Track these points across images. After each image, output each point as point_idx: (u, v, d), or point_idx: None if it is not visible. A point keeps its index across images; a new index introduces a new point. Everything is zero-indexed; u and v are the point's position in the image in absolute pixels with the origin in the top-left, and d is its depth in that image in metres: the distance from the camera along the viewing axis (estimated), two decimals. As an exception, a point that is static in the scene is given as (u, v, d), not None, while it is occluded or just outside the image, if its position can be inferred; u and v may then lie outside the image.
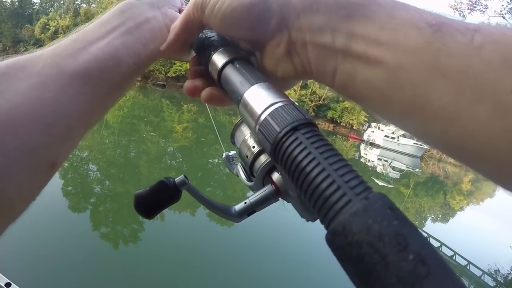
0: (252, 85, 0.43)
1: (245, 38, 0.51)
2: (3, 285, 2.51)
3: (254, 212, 0.52)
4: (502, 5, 24.92)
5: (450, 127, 0.34)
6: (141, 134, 15.54)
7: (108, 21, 0.56)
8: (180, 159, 14.58)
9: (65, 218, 6.80)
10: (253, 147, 0.51)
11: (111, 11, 0.59)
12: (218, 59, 0.51)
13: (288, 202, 0.49)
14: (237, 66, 0.49)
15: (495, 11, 25.75)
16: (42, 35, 59.83)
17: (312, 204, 0.29)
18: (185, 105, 30.80)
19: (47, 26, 60.46)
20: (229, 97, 0.50)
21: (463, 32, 0.34)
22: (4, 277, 2.58)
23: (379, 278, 0.22)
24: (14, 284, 2.54)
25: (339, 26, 0.42)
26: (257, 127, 0.39)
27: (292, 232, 8.25)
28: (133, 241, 6.56)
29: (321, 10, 0.43)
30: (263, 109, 0.39)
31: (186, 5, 0.71)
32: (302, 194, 0.31)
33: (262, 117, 0.38)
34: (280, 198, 0.50)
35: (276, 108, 0.37)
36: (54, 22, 60.27)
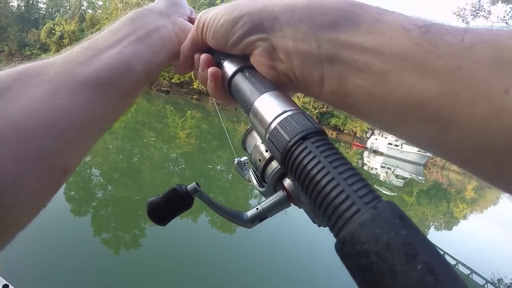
0: (262, 94, 0.43)
1: (235, 52, 0.52)
2: (1, 287, 2.50)
3: (266, 218, 0.52)
4: (506, 11, 24.86)
5: (445, 129, 0.33)
6: (144, 139, 15.51)
7: (118, 29, 0.57)
8: (183, 165, 14.58)
9: (67, 222, 6.80)
10: (264, 153, 0.52)
11: (122, 20, 0.60)
12: (228, 67, 0.52)
13: (300, 208, 0.49)
14: (247, 74, 0.49)
15: (498, 17, 25.75)
16: (48, 39, 60.23)
17: (322, 212, 0.29)
18: (188, 112, 30.87)
19: (52, 31, 60.76)
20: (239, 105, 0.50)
21: (453, 33, 0.34)
22: (2, 279, 2.58)
23: None
24: (11, 286, 2.53)
25: (323, 34, 0.42)
26: (267, 135, 0.39)
27: (296, 238, 8.24)
28: (135, 247, 6.55)
29: (303, 19, 0.43)
30: (273, 118, 0.39)
31: (195, 13, 0.73)
32: (311, 203, 0.31)
33: (272, 126, 0.38)
34: (292, 204, 0.50)
35: (286, 117, 0.37)
36: (60, 27, 60.60)
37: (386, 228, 0.24)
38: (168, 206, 0.52)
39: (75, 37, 58.77)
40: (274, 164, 0.50)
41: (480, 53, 0.31)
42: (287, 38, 0.44)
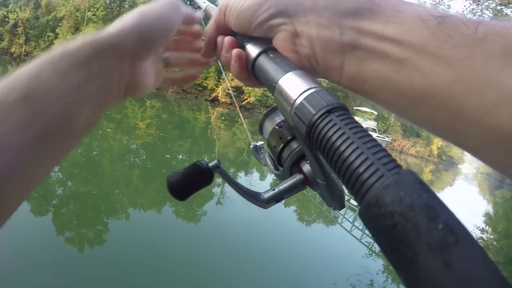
0: (286, 73, 0.45)
1: (257, 34, 0.53)
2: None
3: (282, 199, 0.54)
4: (465, 6, 25.46)
5: (457, 116, 0.34)
6: (100, 131, 15.14)
7: (68, 75, 0.46)
8: (144, 157, 14.42)
9: (27, 222, 6.52)
10: (282, 137, 0.55)
11: (76, 59, 0.47)
12: (251, 49, 0.54)
13: (315, 191, 0.53)
14: (271, 55, 0.51)
15: (457, 11, 26.27)
16: (1, 28, 57.46)
17: (346, 180, 0.31)
18: (148, 101, 30.21)
19: (6, 19, 57.55)
20: (262, 84, 0.54)
21: (467, 24, 0.35)
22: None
23: (411, 246, 0.23)
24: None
25: (345, 22, 0.43)
26: (293, 111, 0.40)
27: (264, 236, 8.44)
28: (99, 243, 6.48)
29: (327, 6, 0.44)
30: (299, 94, 0.40)
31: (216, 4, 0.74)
32: (336, 172, 0.33)
33: (298, 101, 0.40)
34: (307, 187, 0.53)
35: (311, 93, 0.39)
36: (14, 14, 57.23)
37: (409, 191, 0.25)
38: (189, 182, 0.53)
39: (30, 25, 56.57)
40: (291, 148, 0.54)
41: (492, 44, 0.33)
42: (310, 24, 0.46)
